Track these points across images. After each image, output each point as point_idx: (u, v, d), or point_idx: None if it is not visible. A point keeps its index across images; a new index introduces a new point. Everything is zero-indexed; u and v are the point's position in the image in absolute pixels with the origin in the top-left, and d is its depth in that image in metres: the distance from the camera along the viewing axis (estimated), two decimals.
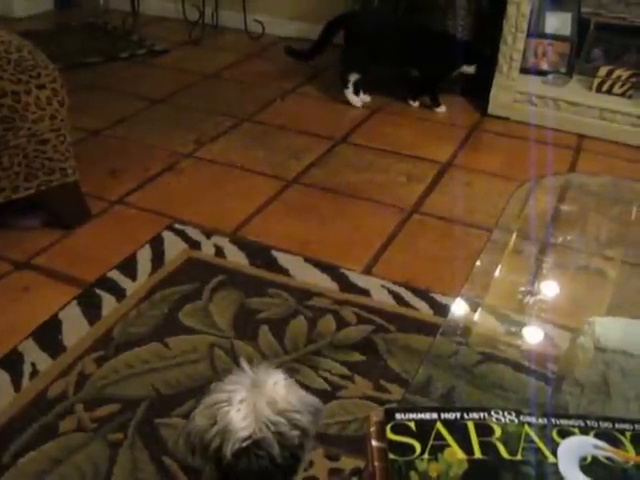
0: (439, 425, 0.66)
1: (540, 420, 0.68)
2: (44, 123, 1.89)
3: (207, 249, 2.06)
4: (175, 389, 1.56)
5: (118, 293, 1.86)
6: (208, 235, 2.13)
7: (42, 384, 1.56)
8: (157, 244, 2.07)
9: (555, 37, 2.94)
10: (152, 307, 1.81)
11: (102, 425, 1.46)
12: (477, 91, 3.09)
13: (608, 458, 0.66)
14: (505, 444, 0.65)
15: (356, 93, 3.11)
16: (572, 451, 0.65)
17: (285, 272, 1.97)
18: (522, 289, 1.50)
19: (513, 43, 2.88)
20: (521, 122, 2.93)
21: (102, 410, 1.50)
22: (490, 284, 1.48)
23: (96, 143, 2.68)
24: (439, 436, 0.65)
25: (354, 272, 1.98)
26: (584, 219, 1.81)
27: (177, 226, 2.16)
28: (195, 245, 2.08)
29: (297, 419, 0.89)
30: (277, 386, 0.92)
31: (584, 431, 0.68)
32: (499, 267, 1.49)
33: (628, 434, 0.68)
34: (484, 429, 0.67)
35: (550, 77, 3.00)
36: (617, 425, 0.69)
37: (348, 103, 3.11)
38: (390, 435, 0.65)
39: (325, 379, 1.60)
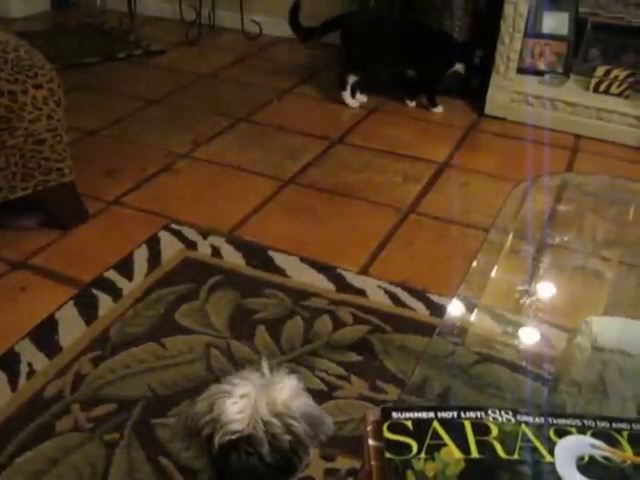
0: (436, 424, 0.66)
1: (537, 419, 0.68)
2: (41, 123, 1.88)
3: (204, 249, 2.06)
4: (171, 389, 1.55)
5: (115, 293, 1.85)
6: (205, 235, 2.12)
7: (39, 384, 1.56)
8: (154, 244, 2.06)
9: (552, 37, 2.94)
10: (148, 307, 1.80)
11: (98, 425, 1.46)
12: (473, 91, 3.08)
13: (605, 458, 0.65)
14: (502, 443, 0.65)
15: (353, 94, 3.11)
16: (569, 451, 0.65)
17: (282, 272, 1.97)
18: (519, 289, 1.49)
19: (510, 43, 2.88)
20: (518, 122, 2.93)
21: (98, 410, 1.50)
22: (487, 284, 1.48)
23: (93, 143, 2.68)
24: (436, 435, 0.65)
25: (350, 272, 1.98)
26: (581, 219, 1.81)
27: (174, 226, 2.16)
28: (192, 245, 2.07)
29: (292, 425, 0.89)
30: (283, 390, 0.91)
31: (581, 431, 0.68)
32: (495, 267, 1.49)
33: (625, 434, 0.68)
34: (481, 428, 0.66)
35: (547, 77, 3.00)
36: (614, 425, 0.69)
37: (345, 103, 3.10)
38: (387, 434, 0.65)
39: (321, 379, 1.60)
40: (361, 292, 1.90)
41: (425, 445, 0.64)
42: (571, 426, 0.68)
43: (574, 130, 2.88)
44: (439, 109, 3.07)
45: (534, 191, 1.76)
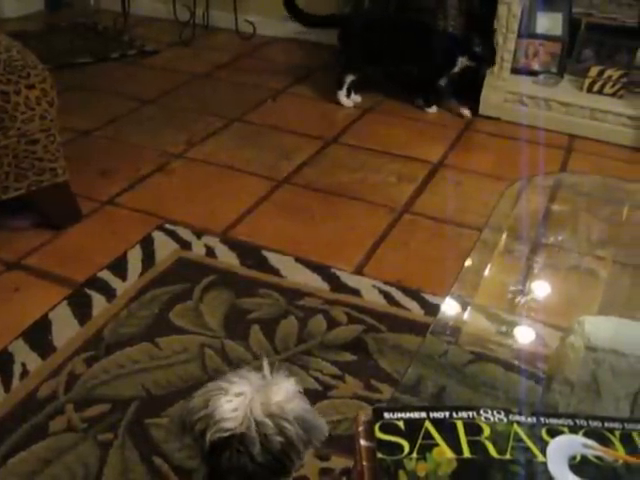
0: (428, 424, 0.66)
1: (529, 419, 0.68)
2: (34, 123, 1.88)
3: (198, 249, 2.06)
4: (165, 389, 1.55)
5: (108, 293, 1.85)
6: (199, 235, 2.12)
7: (32, 384, 1.55)
8: (148, 244, 2.06)
9: (546, 37, 2.94)
10: (142, 307, 1.80)
11: (92, 425, 1.45)
12: (467, 91, 3.08)
13: (597, 457, 0.65)
14: (494, 443, 0.65)
15: (348, 94, 3.11)
16: (561, 450, 0.65)
17: (276, 272, 1.97)
18: (512, 288, 1.50)
19: (504, 43, 2.88)
20: (512, 122, 2.93)
21: (92, 410, 1.49)
22: (480, 283, 1.48)
23: (87, 143, 2.67)
24: (428, 435, 0.65)
25: (345, 272, 1.98)
26: (575, 219, 1.81)
27: (168, 226, 2.15)
28: (186, 245, 2.07)
29: (284, 427, 0.89)
30: (278, 391, 0.91)
31: (573, 430, 0.68)
32: (489, 267, 1.49)
33: (617, 433, 0.68)
34: (473, 428, 0.66)
35: (541, 77, 3.01)
36: (606, 424, 0.69)
37: (339, 103, 3.10)
38: (379, 434, 0.64)
39: (316, 379, 1.59)
40: (355, 292, 1.90)
41: (417, 445, 0.64)
42: (563, 426, 0.68)
43: (568, 130, 2.88)
44: (433, 109, 3.07)
45: (528, 190, 1.76)
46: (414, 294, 1.89)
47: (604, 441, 0.67)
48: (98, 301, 1.82)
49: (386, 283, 1.94)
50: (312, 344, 1.70)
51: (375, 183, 2.49)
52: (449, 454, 0.63)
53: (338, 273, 1.97)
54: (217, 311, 1.80)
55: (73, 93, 3.04)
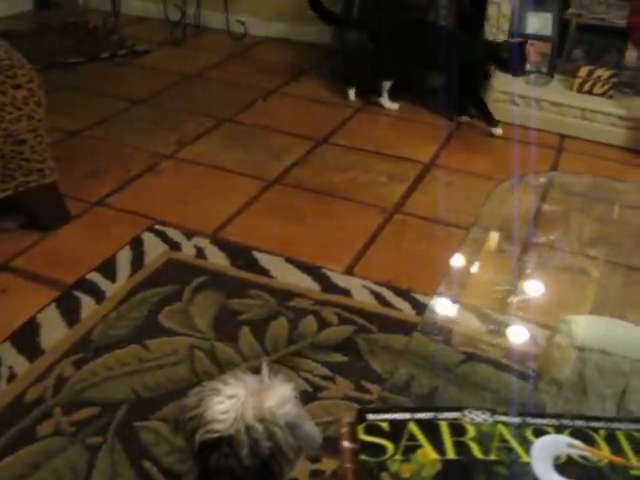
0: (412, 425, 0.65)
1: (514, 419, 0.68)
2: (21, 124, 1.87)
3: (188, 250, 2.05)
4: (155, 392, 1.55)
5: (97, 295, 1.84)
6: (189, 236, 2.12)
7: (19, 388, 1.54)
8: (137, 245, 2.05)
9: (537, 37, 2.95)
10: (132, 309, 1.79)
11: (81, 429, 1.45)
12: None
13: (583, 457, 0.65)
14: (479, 444, 0.65)
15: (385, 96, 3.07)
16: (546, 450, 0.65)
17: (266, 273, 1.97)
18: (503, 288, 1.50)
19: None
20: (503, 122, 2.93)
21: (81, 413, 1.49)
22: (469, 283, 1.48)
23: (76, 144, 2.66)
24: (412, 436, 0.65)
25: (335, 272, 1.98)
26: (566, 218, 1.81)
27: (157, 227, 2.15)
28: (175, 246, 2.07)
29: (274, 432, 0.88)
30: (272, 396, 0.91)
31: (558, 430, 0.68)
32: (478, 265, 1.49)
33: (602, 432, 0.68)
34: (458, 429, 0.66)
35: (532, 77, 3.01)
36: (591, 423, 0.69)
37: (343, 105, 3.09)
38: (362, 436, 0.64)
39: (306, 380, 1.59)
40: (346, 292, 1.90)
41: (401, 447, 0.63)
42: (548, 425, 0.68)
43: (559, 130, 2.89)
44: (465, 119, 2.95)
45: (518, 190, 1.77)
46: (405, 294, 1.89)
47: (589, 441, 0.67)
48: (87, 303, 1.81)
49: (377, 283, 1.94)
50: (302, 345, 1.70)
51: (366, 183, 2.49)
52: (433, 455, 0.63)
53: (329, 273, 1.97)
54: (207, 312, 1.79)
55: (62, 93, 3.03)
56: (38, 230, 2.09)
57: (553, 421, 0.69)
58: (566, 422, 0.68)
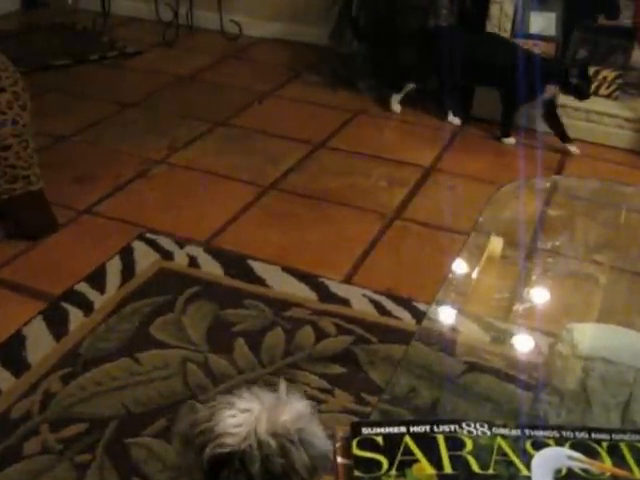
0: (408, 439, 0.66)
1: (513, 432, 0.68)
2: (5, 128, 1.88)
3: (180, 259, 2.06)
4: (146, 407, 1.55)
5: (86, 307, 1.84)
6: (181, 244, 2.12)
7: (5, 404, 1.54)
8: (127, 254, 2.05)
9: (540, 37, 2.95)
10: (122, 321, 1.80)
11: (69, 446, 1.45)
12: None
13: (584, 470, 0.66)
14: (477, 458, 0.65)
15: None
16: (546, 463, 0.66)
17: (262, 282, 1.97)
18: (506, 295, 1.50)
19: None
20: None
21: (69, 430, 1.49)
22: (471, 290, 1.48)
23: (64, 149, 2.67)
24: (407, 451, 0.65)
25: (334, 281, 1.98)
26: (571, 223, 1.82)
27: (148, 235, 2.15)
28: (167, 255, 2.07)
29: (288, 449, 0.87)
30: (287, 412, 0.90)
31: (559, 442, 0.68)
32: (481, 272, 1.49)
33: (605, 444, 0.68)
34: (455, 442, 0.67)
35: None
36: (593, 435, 0.69)
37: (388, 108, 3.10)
38: (356, 451, 0.64)
39: (304, 393, 1.58)
40: (345, 301, 1.90)
41: (396, 461, 0.64)
42: (549, 438, 0.68)
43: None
44: (510, 141, 2.87)
45: (522, 193, 1.77)
46: (406, 303, 1.89)
47: (591, 453, 0.67)
48: (75, 315, 1.81)
49: (376, 292, 1.94)
50: (300, 357, 1.70)
51: (365, 188, 2.49)
52: (429, 470, 0.63)
53: (326, 282, 1.97)
54: (200, 324, 1.80)
55: (50, 96, 3.04)
56: (24, 239, 2.09)
57: (554, 433, 0.69)
58: (567, 434, 0.69)
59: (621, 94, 2.88)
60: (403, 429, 0.67)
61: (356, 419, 1.52)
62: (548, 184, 1.91)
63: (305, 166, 2.63)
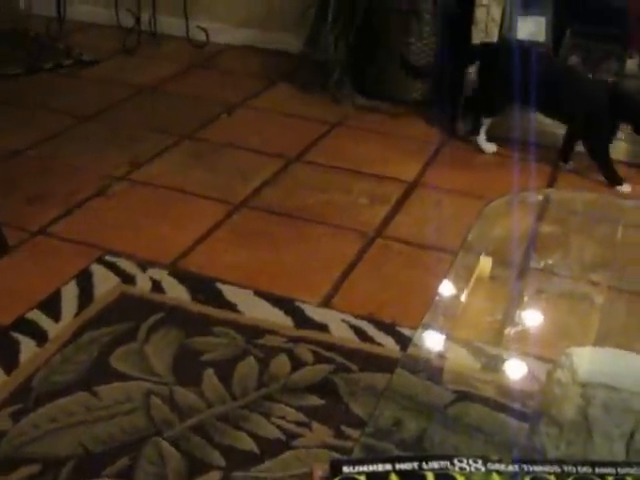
0: (394, 477, 0.64)
1: (510, 467, 0.67)
2: None
3: (143, 283, 2.04)
4: (106, 445, 1.53)
5: (39, 336, 1.82)
6: (144, 267, 2.10)
7: None
8: (85, 279, 2.04)
9: (529, 43, 2.98)
10: (79, 351, 1.77)
11: None
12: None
13: None
14: None
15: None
16: None
17: (232, 307, 1.96)
18: (497, 318, 1.50)
19: None
20: (496, 138, 2.94)
21: (20, 473, 1.45)
22: (459, 313, 1.48)
23: (16, 165, 2.64)
24: None
25: (311, 305, 1.98)
26: (565, 240, 1.83)
27: (108, 258, 2.13)
28: (129, 279, 2.05)
29: None
30: None
31: (561, 478, 0.67)
32: (469, 294, 1.49)
33: (610, 479, 0.67)
34: None
35: None
36: (598, 469, 0.68)
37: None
38: None
39: (279, 427, 1.58)
40: (323, 327, 1.90)
41: None
42: (549, 473, 0.67)
43: (555, 143, 2.90)
44: (626, 188, 2.69)
45: (512, 209, 1.77)
46: (389, 328, 1.89)
47: None
48: (26, 345, 1.78)
49: (357, 316, 1.93)
50: (274, 388, 1.70)
51: (344, 205, 2.49)
52: None
53: (303, 307, 1.97)
54: (165, 353, 1.78)
55: (1, 108, 3.01)
56: None
57: (554, 468, 0.68)
58: (569, 469, 0.67)
59: None
60: (388, 466, 0.65)
61: (336, 456, 1.53)
62: (540, 198, 1.92)
63: (279, 181, 2.63)
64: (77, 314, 1.90)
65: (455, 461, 0.67)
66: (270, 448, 1.54)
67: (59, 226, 2.29)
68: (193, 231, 2.29)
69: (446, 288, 1.46)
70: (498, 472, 0.66)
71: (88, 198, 2.45)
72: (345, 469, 0.64)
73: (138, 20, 3.86)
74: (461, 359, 1.53)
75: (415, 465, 0.65)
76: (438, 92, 3.12)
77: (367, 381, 1.72)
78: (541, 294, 1.62)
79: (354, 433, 1.56)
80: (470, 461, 0.67)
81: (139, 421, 1.58)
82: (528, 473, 0.67)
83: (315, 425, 1.59)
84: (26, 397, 1.63)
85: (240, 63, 3.75)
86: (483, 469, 0.66)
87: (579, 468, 0.68)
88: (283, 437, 1.56)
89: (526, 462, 0.68)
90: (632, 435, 0.81)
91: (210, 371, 1.73)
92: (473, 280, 1.50)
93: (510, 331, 1.49)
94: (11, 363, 1.73)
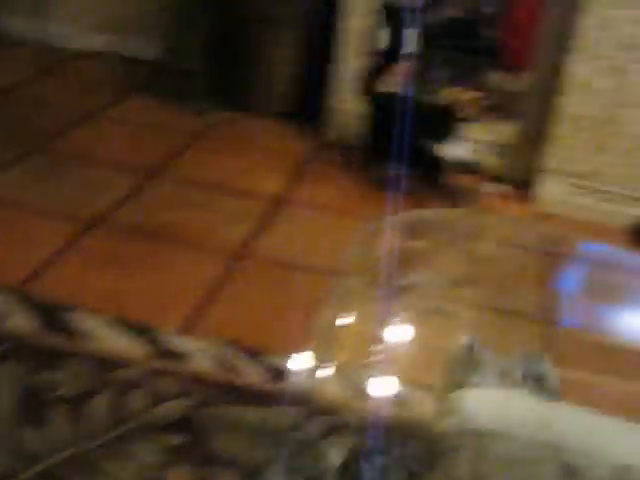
0: None
1: None
2: None
3: None
4: None
5: None
6: None
7: None
8: None
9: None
10: None
11: None
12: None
13: None
14: None
15: None
16: None
17: (84, 337, 1.86)
18: (370, 341, 1.53)
19: (344, 63, 2.94)
20: (360, 148, 2.95)
21: None
22: (336, 339, 1.50)
23: None
24: None
25: (169, 333, 1.92)
26: (434, 257, 1.89)
27: None
28: None
29: None
30: None
31: None
32: (345, 318, 1.51)
33: None
34: None
35: None
36: None
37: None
38: None
39: (136, 470, 1.51)
40: (183, 357, 1.85)
41: None
42: None
43: None
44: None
45: (384, 229, 1.79)
46: (255, 356, 1.87)
47: None
48: None
49: (220, 345, 1.89)
50: (131, 426, 1.62)
51: (203, 224, 2.45)
52: None
53: (161, 335, 1.91)
54: (6, 392, 1.66)
55: None
56: None
57: None
58: None
59: (484, 117, 2.98)
60: None
61: None
62: (410, 217, 1.95)
63: (134, 199, 2.55)
64: None
65: None
66: None
67: None
68: (39, 253, 2.17)
69: (317, 311, 1.47)
70: None
71: None
72: None
73: None
74: (333, 388, 1.56)
75: None
76: (304, 103, 3.10)
77: (233, 415, 1.69)
78: (411, 313, 1.64)
79: (220, 473, 1.52)
80: None
81: None
82: None
83: (176, 467, 1.52)
84: None
85: (95, 70, 3.67)
86: None
87: None
88: None
89: None
90: None
91: (59, 410, 1.63)
92: (344, 302, 1.52)
93: (380, 355, 1.51)
94: None
